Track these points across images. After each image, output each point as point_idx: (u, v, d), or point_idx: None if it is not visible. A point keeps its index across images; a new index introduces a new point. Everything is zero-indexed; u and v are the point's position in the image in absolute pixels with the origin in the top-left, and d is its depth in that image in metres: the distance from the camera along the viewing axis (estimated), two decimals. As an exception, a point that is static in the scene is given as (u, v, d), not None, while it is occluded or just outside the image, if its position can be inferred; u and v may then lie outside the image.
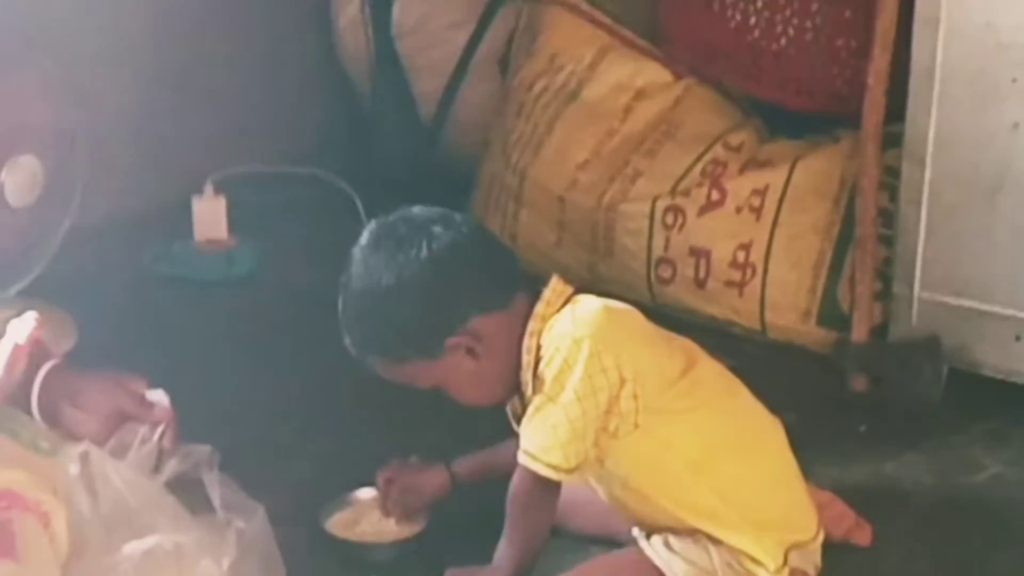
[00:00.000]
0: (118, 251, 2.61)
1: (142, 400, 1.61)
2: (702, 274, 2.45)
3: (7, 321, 2.21)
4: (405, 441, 1.99)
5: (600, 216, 2.55)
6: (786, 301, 2.38)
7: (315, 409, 2.21)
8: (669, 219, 2.49)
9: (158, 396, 1.63)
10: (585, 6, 2.71)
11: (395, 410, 2.05)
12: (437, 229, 1.71)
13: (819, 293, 2.36)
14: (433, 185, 2.45)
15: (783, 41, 2.48)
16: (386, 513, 1.89)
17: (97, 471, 1.50)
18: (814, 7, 2.44)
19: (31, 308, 2.25)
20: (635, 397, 1.65)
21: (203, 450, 1.56)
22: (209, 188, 2.68)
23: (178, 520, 1.50)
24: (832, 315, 2.35)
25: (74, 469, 1.49)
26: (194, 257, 2.63)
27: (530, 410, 1.68)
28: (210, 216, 2.66)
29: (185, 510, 1.54)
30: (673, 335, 1.77)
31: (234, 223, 2.68)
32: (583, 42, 2.68)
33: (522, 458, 1.67)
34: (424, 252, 1.68)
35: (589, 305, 1.70)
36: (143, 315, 2.47)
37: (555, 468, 1.65)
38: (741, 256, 2.42)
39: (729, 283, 2.43)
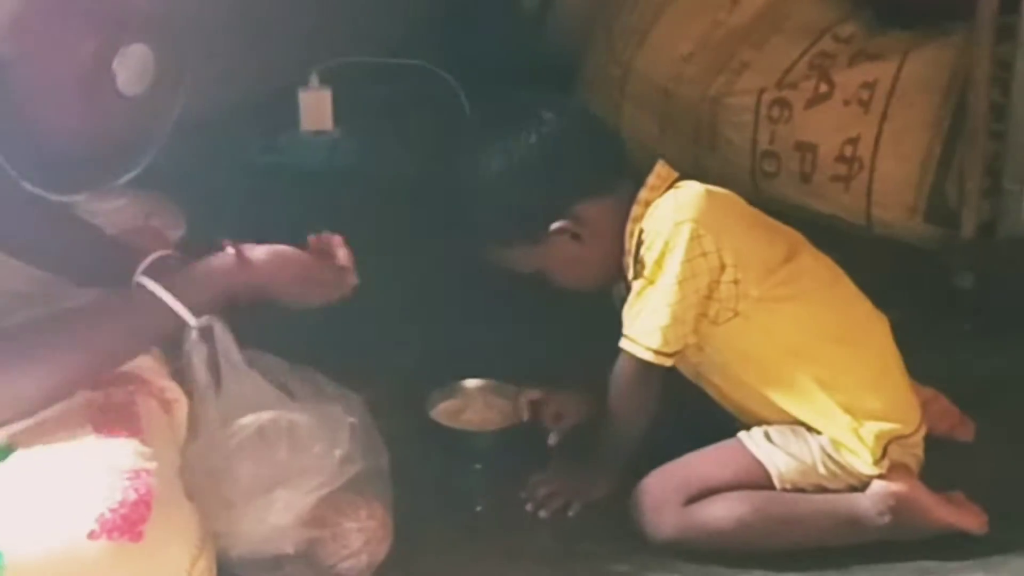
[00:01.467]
0: (225, 141, 2.63)
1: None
2: (808, 168, 2.43)
3: (120, 209, 2.27)
4: (510, 332, 2.01)
5: (705, 108, 2.53)
6: (893, 196, 2.36)
7: (420, 300, 2.23)
8: (775, 112, 2.47)
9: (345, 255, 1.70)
10: None
11: (501, 301, 2.06)
12: (546, 114, 1.71)
13: (927, 189, 2.33)
14: (537, 76, 2.44)
15: (896, -71, 2.44)
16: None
17: (220, 346, 1.53)
18: None
19: (140, 198, 2.32)
20: (735, 282, 1.65)
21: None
22: (314, 79, 2.70)
23: (289, 404, 1.54)
24: (940, 211, 2.32)
25: (194, 336, 1.53)
26: (300, 147, 2.65)
27: (631, 295, 1.69)
28: (315, 107, 2.67)
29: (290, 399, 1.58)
30: (777, 223, 1.77)
31: (339, 114, 2.69)
32: (691, -68, 2.64)
33: (623, 343, 1.69)
34: (532, 137, 1.70)
35: (691, 189, 1.70)
36: (249, 204, 2.49)
37: (655, 352, 1.67)
38: (848, 150, 2.40)
39: (835, 177, 2.41)
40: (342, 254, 1.70)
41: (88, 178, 2.21)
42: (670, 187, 1.72)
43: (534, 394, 1.88)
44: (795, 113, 2.45)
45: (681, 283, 1.64)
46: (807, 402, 1.68)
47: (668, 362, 1.68)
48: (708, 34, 2.57)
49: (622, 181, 1.73)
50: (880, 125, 2.38)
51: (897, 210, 2.36)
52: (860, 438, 1.67)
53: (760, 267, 1.68)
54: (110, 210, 2.24)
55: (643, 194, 1.71)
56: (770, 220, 1.76)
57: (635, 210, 1.71)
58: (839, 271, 1.77)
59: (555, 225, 1.70)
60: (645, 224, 1.69)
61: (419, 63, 2.86)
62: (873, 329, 1.75)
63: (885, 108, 2.38)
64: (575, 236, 1.71)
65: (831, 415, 1.68)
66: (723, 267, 1.65)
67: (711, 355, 1.71)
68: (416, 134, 2.67)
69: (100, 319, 1.51)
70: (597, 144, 1.75)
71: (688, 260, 1.64)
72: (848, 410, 1.67)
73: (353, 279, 1.70)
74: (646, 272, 1.67)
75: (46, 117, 2.11)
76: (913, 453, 1.72)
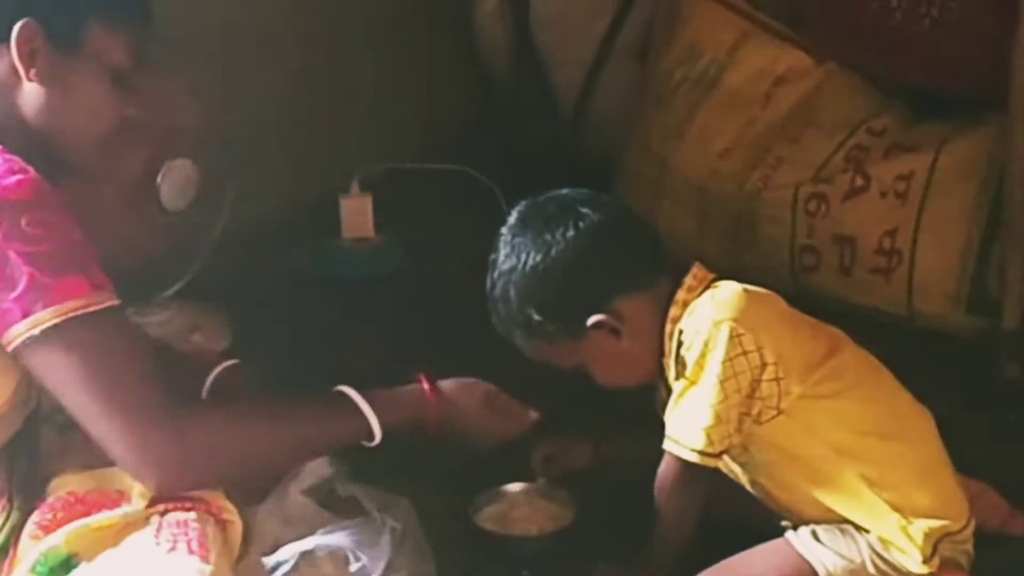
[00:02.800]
0: (268, 250, 2.66)
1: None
2: (847, 261, 2.43)
3: (166, 323, 2.30)
4: (553, 434, 2.01)
5: (742, 204, 2.55)
6: (934, 287, 2.35)
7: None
8: (812, 206, 2.47)
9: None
10: (723, -8, 2.70)
11: (544, 402, 2.07)
12: (584, 209, 1.73)
13: (968, 279, 2.33)
14: (574, 177, 2.45)
15: (927, 23, 2.45)
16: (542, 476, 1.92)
17: None
18: (958, -14, 2.41)
19: (186, 310, 2.35)
20: (777, 380, 1.65)
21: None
22: (355, 186, 2.73)
23: (331, 522, 1.55)
24: (982, 301, 2.31)
25: None
26: (342, 255, 2.68)
27: (673, 395, 1.69)
28: (357, 214, 2.71)
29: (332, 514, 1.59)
30: (817, 322, 1.77)
31: (380, 220, 2.72)
32: (722, 29, 2.67)
33: (667, 444, 1.68)
34: (571, 231, 1.71)
35: (729, 289, 1.70)
36: (293, 314, 2.52)
37: (700, 453, 1.66)
38: (887, 242, 2.40)
39: (875, 270, 2.41)
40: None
41: (133, 292, 2.24)
42: (707, 287, 1.72)
43: (547, 449, 1.91)
44: (832, 207, 2.45)
45: (723, 383, 1.64)
46: (854, 500, 1.67)
47: (713, 463, 1.68)
48: (743, 130, 2.59)
49: (660, 278, 1.74)
50: (918, 216, 2.38)
51: (939, 301, 2.35)
52: (909, 536, 1.65)
53: (801, 364, 1.67)
54: (155, 323, 2.27)
55: (681, 295, 1.72)
56: (809, 318, 1.76)
57: (673, 311, 1.71)
58: (881, 366, 1.76)
59: (593, 319, 1.71)
60: (684, 324, 1.70)
61: (458, 168, 2.90)
62: (918, 424, 1.74)
63: (922, 199, 2.38)
64: (614, 331, 1.72)
65: (879, 513, 1.66)
66: (764, 365, 1.64)
67: (755, 455, 1.71)
68: (456, 239, 2.70)
69: (302, 415, 1.57)
70: (635, 239, 1.76)
71: (729, 359, 1.64)
72: (896, 508, 1.66)
73: (535, 414, 1.79)
74: (687, 373, 1.67)
75: (92, 232, 2.16)
76: (963, 549, 1.70)
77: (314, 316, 2.52)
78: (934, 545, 1.66)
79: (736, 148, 2.58)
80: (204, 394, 1.68)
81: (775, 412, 1.67)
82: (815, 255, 2.46)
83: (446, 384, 1.71)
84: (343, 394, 1.59)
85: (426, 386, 1.68)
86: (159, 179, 2.21)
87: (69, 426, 1.62)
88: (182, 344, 2.22)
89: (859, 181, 2.44)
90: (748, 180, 2.54)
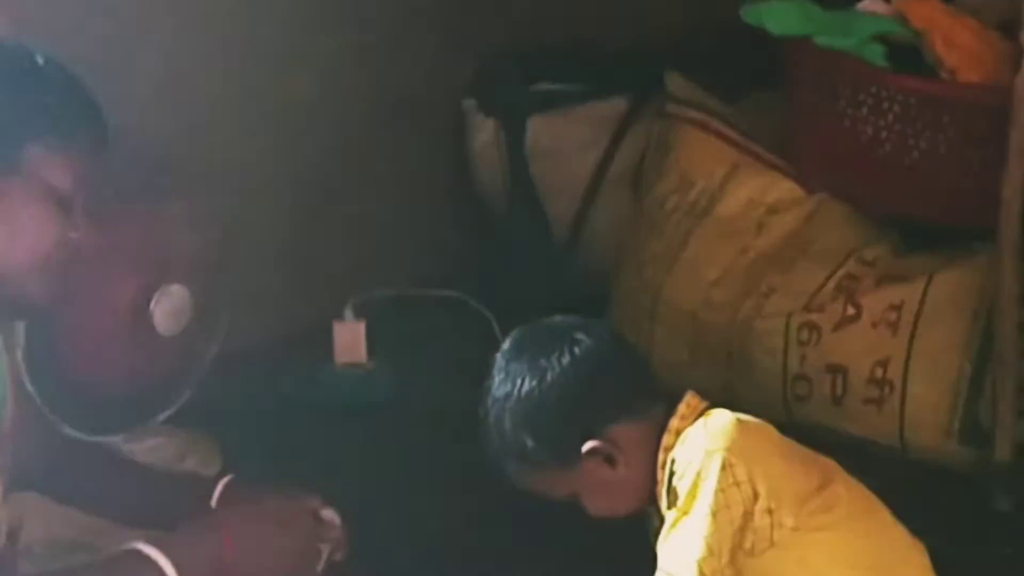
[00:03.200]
0: (260, 376, 2.66)
1: (317, 517, 1.67)
2: (839, 391, 2.43)
3: (156, 448, 2.29)
4: (555, 565, 2.00)
5: (734, 333, 2.55)
6: (926, 419, 2.35)
7: (458, 534, 2.22)
8: (804, 335, 2.48)
9: (330, 514, 1.69)
10: (715, 124, 2.73)
11: (539, 534, 2.06)
12: (579, 335, 1.74)
13: (960, 411, 2.33)
14: (568, 304, 2.46)
15: (915, 154, 2.47)
16: None
17: None
18: (946, 119, 2.43)
19: (177, 435, 2.34)
20: (769, 512, 1.64)
21: None
22: (349, 313, 2.74)
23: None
24: (974, 433, 2.31)
25: None
26: (334, 381, 2.68)
27: (665, 526, 1.68)
28: (350, 340, 2.71)
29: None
30: (810, 452, 1.76)
31: (373, 346, 2.73)
32: (714, 159, 2.70)
33: None
34: (567, 356, 1.72)
35: (722, 418, 1.70)
36: (285, 439, 2.51)
37: None
38: (879, 372, 2.40)
39: (867, 400, 2.41)
40: (327, 514, 1.70)
41: (125, 418, 2.26)
42: (700, 415, 1.73)
43: None
44: (824, 336, 2.46)
45: (715, 514, 1.63)
46: None
47: None
48: (735, 259, 2.60)
49: (654, 406, 1.74)
50: (909, 347, 2.39)
51: (930, 432, 2.35)
52: None
53: (794, 496, 1.67)
54: (146, 449, 2.27)
55: (674, 423, 1.72)
56: (803, 449, 1.76)
57: (666, 439, 1.71)
58: (874, 498, 1.75)
59: (588, 446, 1.71)
60: (676, 454, 1.69)
61: (452, 294, 2.91)
62: (911, 557, 1.73)
63: (913, 330, 2.39)
64: (608, 459, 1.72)
65: None
66: (756, 496, 1.64)
67: None
68: (449, 365, 2.70)
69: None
70: (629, 366, 1.77)
71: (721, 490, 1.63)
72: None
73: (329, 514, 1.70)
74: (679, 503, 1.66)
75: (84, 359, 2.17)
76: None
77: (305, 441, 2.51)
78: None
79: (728, 277, 2.60)
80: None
81: (768, 544, 1.65)
82: (807, 384, 2.47)
83: (243, 510, 1.62)
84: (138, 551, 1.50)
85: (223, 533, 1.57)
86: (152, 304, 2.22)
87: (49, 559, 1.61)
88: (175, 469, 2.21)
89: (850, 310, 2.45)
90: (740, 309, 2.55)
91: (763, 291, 2.56)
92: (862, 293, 2.46)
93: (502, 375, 1.75)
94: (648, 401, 1.74)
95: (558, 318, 1.81)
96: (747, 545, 1.65)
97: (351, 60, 2.83)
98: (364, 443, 2.49)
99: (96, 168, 1.58)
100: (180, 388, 2.35)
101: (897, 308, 2.42)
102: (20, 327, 2.05)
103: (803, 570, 1.66)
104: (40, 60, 1.56)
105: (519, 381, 1.72)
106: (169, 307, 2.25)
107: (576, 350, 1.72)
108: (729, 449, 1.65)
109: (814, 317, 2.48)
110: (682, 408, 1.73)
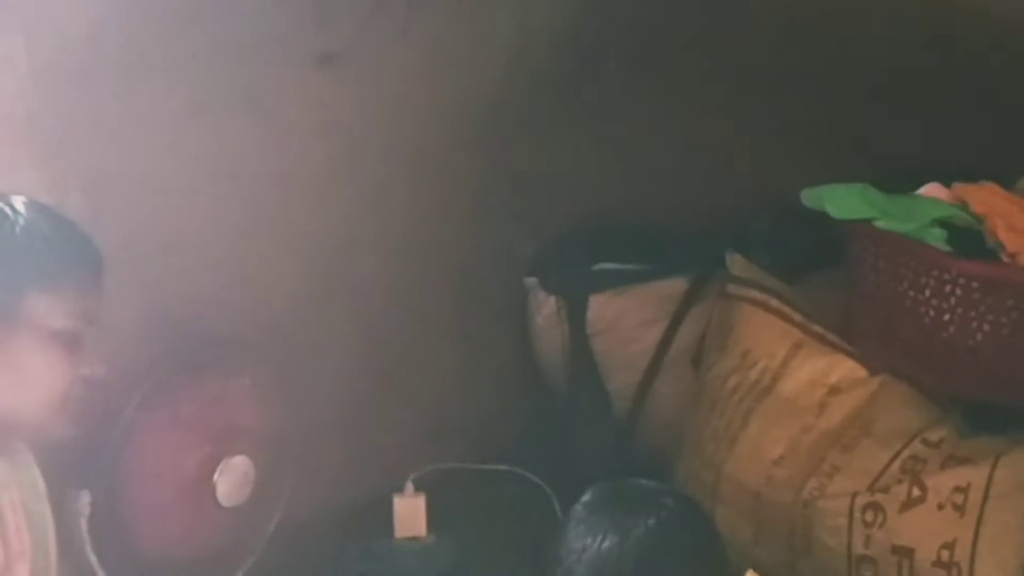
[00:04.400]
0: (320, 547, 2.66)
1: None
2: (905, 573, 2.39)
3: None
4: None
5: (797, 512, 2.53)
6: (994, 603, 2.31)
7: None
8: (869, 516, 2.45)
9: None
10: (776, 303, 2.74)
11: None
12: (667, 500, 1.72)
13: (1027, 593, 2.29)
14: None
15: (979, 336, 2.47)
16: None
17: None
18: (1009, 303, 2.43)
19: (237, 605, 2.34)
20: None
21: None
22: (410, 486, 2.74)
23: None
24: (1043, 613, 2.27)
25: None
26: (394, 555, 2.67)
27: None
28: (410, 514, 2.71)
29: None
30: None
31: (433, 520, 2.72)
32: (775, 338, 2.70)
33: None
34: (652, 519, 1.69)
35: None
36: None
37: None
38: (945, 555, 2.36)
39: (934, 583, 2.37)
40: None
41: (186, 587, 2.25)
42: None
43: None
44: (889, 517, 2.43)
45: None
46: None
47: None
48: (797, 438, 2.59)
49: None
50: (976, 529, 2.35)
51: (1000, 617, 2.31)
52: None
53: None
54: (206, 620, 2.25)
55: None
56: None
57: None
58: None
59: None
60: None
61: (511, 469, 2.91)
62: None
63: (980, 512, 2.36)
64: None
65: None
66: None
67: None
68: (510, 541, 2.69)
69: None
70: (708, 537, 1.75)
71: None
72: None
73: None
74: None
75: (147, 529, 2.18)
76: None
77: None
78: None
79: (790, 456, 2.58)
80: None
81: None
82: (872, 566, 2.43)
83: None
84: None
85: None
86: (216, 476, 2.24)
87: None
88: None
89: (916, 492, 2.43)
90: (803, 488, 2.53)
91: (826, 471, 2.53)
92: (927, 474, 2.43)
93: (581, 527, 1.73)
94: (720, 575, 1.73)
95: (642, 480, 1.80)
96: None
97: (419, 237, 2.88)
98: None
99: (98, 299, 1.58)
100: (241, 559, 2.36)
101: (963, 490, 2.39)
102: (85, 495, 2.08)
103: None
104: (19, 207, 1.57)
105: (601, 536, 1.70)
106: (232, 479, 2.27)
107: (663, 514, 1.71)
108: None
109: (879, 498, 2.45)
110: None
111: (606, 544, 1.69)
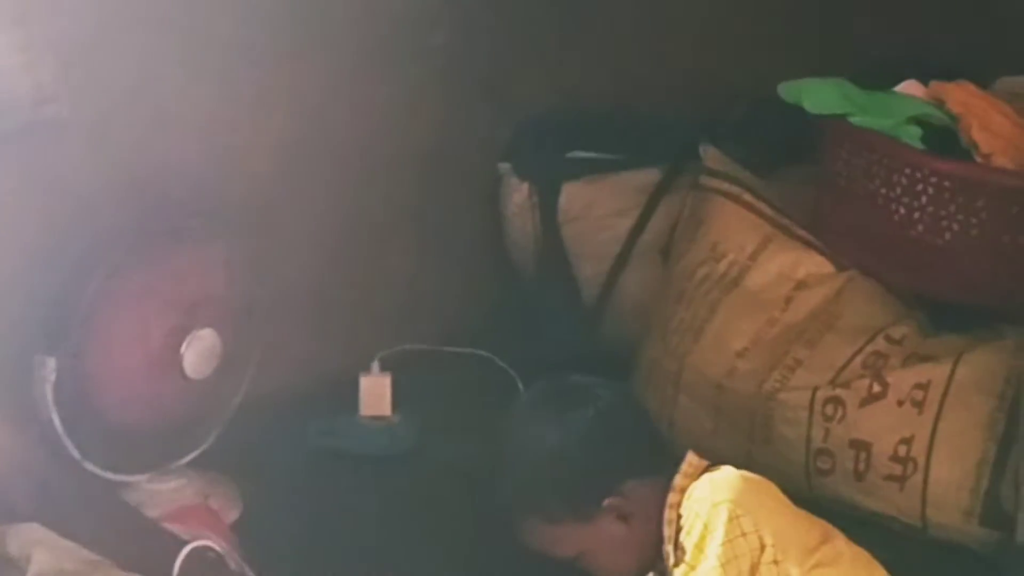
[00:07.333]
0: (285, 423, 2.67)
1: None
2: (862, 467, 2.43)
3: (179, 489, 2.30)
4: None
5: (758, 404, 2.56)
6: (948, 499, 2.34)
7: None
8: (829, 410, 2.48)
9: None
10: (748, 196, 2.75)
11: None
12: (600, 392, 1.77)
13: (981, 492, 2.32)
14: (593, 368, 2.47)
15: (948, 236, 2.48)
16: None
17: None
18: (979, 203, 2.44)
19: (200, 478, 2.35)
20: (776, 563, 1.66)
21: None
22: (376, 365, 2.75)
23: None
24: (995, 515, 2.30)
25: None
26: (358, 432, 2.69)
27: None
28: (375, 393, 2.72)
29: None
30: (810, 514, 1.78)
31: (397, 399, 2.74)
32: (745, 231, 2.71)
33: None
34: (591, 411, 1.75)
35: (726, 472, 1.73)
36: (306, 487, 2.52)
37: None
38: (902, 450, 2.40)
39: (889, 477, 2.40)
40: None
41: (150, 459, 2.27)
42: (704, 472, 1.74)
43: None
44: (849, 411, 2.46)
45: (724, 565, 1.66)
46: None
47: None
48: (762, 331, 2.61)
49: (664, 464, 1.76)
50: (934, 426, 2.39)
51: (952, 512, 2.34)
52: None
53: (799, 547, 1.69)
54: (168, 490, 2.28)
55: (678, 480, 1.76)
56: (801, 509, 1.78)
57: (671, 497, 1.74)
58: (872, 559, 1.77)
59: (607, 501, 1.72)
60: (683, 509, 1.71)
61: (479, 352, 2.93)
62: None
63: (939, 409, 2.39)
64: (622, 517, 1.73)
65: None
66: (763, 547, 1.66)
67: None
68: (473, 421, 2.71)
69: None
70: (645, 425, 1.80)
71: (728, 541, 1.66)
72: None
73: None
74: (687, 558, 1.68)
75: (113, 398, 2.18)
76: None
77: (326, 490, 2.52)
78: None
79: (754, 348, 2.60)
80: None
81: None
82: (830, 459, 2.46)
83: None
84: None
85: None
86: (183, 347, 2.24)
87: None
88: (195, 508, 2.22)
89: (876, 388, 2.46)
90: (766, 380, 2.56)
91: (789, 364, 2.56)
92: (889, 371, 2.46)
93: (523, 428, 1.77)
94: (660, 459, 1.76)
95: (576, 376, 1.83)
96: None
97: (390, 114, 2.86)
98: (381, 493, 2.50)
99: None
100: (206, 431, 2.37)
101: (924, 387, 2.42)
102: (51, 362, 2.08)
103: None
104: None
105: (541, 434, 1.74)
106: (200, 351, 2.27)
107: (601, 405, 1.75)
108: (735, 501, 1.68)
109: (840, 392, 2.48)
110: (685, 467, 1.77)
111: (548, 441, 1.73)
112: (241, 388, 2.41)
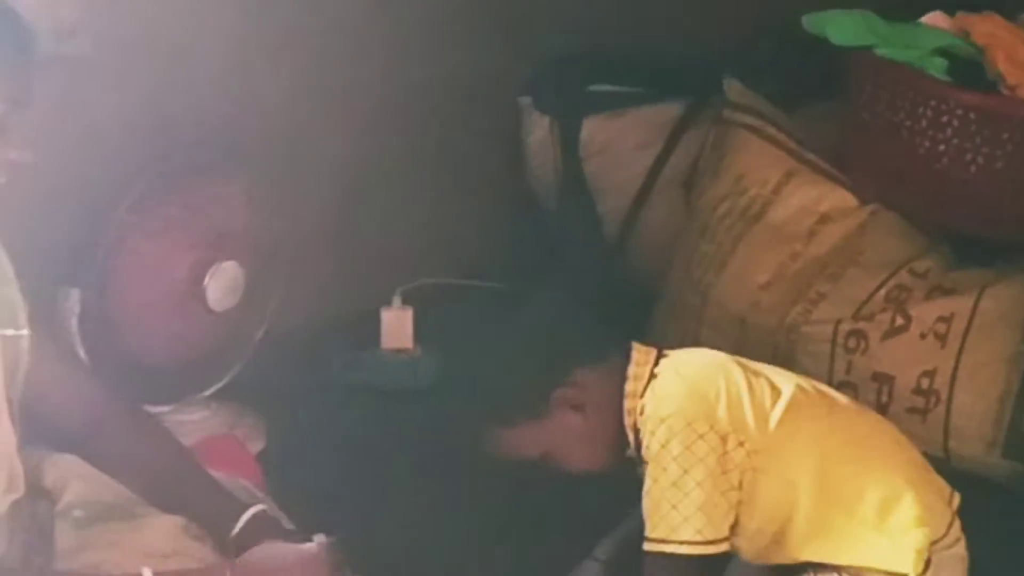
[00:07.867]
0: (308, 356, 2.68)
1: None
2: (884, 399, 2.43)
3: (203, 420, 2.32)
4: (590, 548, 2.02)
5: (781, 338, 2.56)
6: (970, 430, 2.35)
7: (497, 518, 2.23)
8: (851, 343, 2.48)
9: None
10: (771, 130, 2.73)
11: (577, 517, 2.07)
12: (536, 296, 1.82)
13: (1005, 424, 2.33)
14: (615, 302, 2.48)
15: (972, 169, 2.47)
16: None
17: None
18: (1005, 135, 2.43)
19: (224, 409, 2.37)
20: (741, 444, 1.68)
21: None
22: (397, 299, 2.76)
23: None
24: (1018, 447, 2.31)
25: None
26: (380, 365, 2.70)
27: (644, 500, 1.70)
28: (397, 326, 2.73)
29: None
30: (759, 365, 1.80)
31: (419, 333, 2.75)
32: (769, 165, 2.70)
33: (651, 548, 1.69)
34: (525, 314, 1.81)
35: (667, 380, 1.74)
36: (329, 420, 2.53)
37: (690, 543, 1.67)
38: (925, 383, 2.40)
39: (912, 410, 2.40)
40: None
41: (175, 389, 2.29)
42: (659, 359, 1.76)
43: None
44: (871, 345, 2.46)
45: (689, 470, 1.68)
46: (841, 537, 1.70)
47: (708, 550, 1.68)
48: (785, 265, 2.61)
49: (612, 351, 1.79)
50: (957, 359, 2.38)
51: (974, 444, 2.35)
52: (897, 556, 1.69)
53: (757, 419, 1.72)
54: (194, 421, 2.29)
55: (632, 370, 1.77)
56: (753, 364, 1.80)
57: (628, 386, 1.76)
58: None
59: (557, 393, 1.75)
60: (646, 399, 1.74)
61: (500, 286, 2.93)
62: (884, 436, 1.81)
63: (962, 342, 2.39)
64: (576, 406, 1.75)
65: (866, 541, 1.69)
66: (724, 437, 1.68)
67: (749, 523, 1.72)
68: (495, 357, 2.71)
69: None
70: (584, 316, 1.83)
71: (686, 448, 1.68)
72: (879, 529, 1.69)
73: None
74: (652, 472, 1.70)
75: (137, 330, 2.20)
76: (955, 554, 1.75)
77: (349, 422, 2.53)
78: (926, 561, 1.69)
79: (777, 282, 2.60)
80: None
81: (752, 473, 1.70)
82: (852, 391, 2.46)
83: (256, 553, 1.58)
84: None
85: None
86: (206, 280, 2.25)
87: (87, 523, 1.63)
88: (222, 438, 2.23)
89: (899, 321, 2.45)
90: (788, 314, 2.55)
91: (812, 297, 2.56)
92: (912, 304, 2.46)
93: (467, 349, 1.84)
94: (606, 346, 1.79)
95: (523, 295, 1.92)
96: (735, 482, 1.69)
97: (412, 52, 2.85)
98: (403, 426, 2.51)
99: (27, 79, 1.51)
100: (229, 363, 2.38)
101: (947, 320, 2.42)
102: (75, 294, 2.09)
103: (788, 486, 1.71)
104: None
105: (482, 347, 1.81)
106: (223, 283, 2.28)
107: (535, 307, 1.82)
108: (680, 411, 1.71)
109: (862, 325, 2.48)
110: (636, 356, 1.79)
111: (492, 347, 1.82)
112: (264, 321, 2.42)
